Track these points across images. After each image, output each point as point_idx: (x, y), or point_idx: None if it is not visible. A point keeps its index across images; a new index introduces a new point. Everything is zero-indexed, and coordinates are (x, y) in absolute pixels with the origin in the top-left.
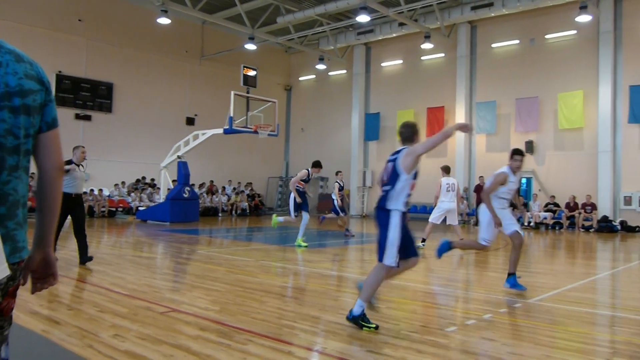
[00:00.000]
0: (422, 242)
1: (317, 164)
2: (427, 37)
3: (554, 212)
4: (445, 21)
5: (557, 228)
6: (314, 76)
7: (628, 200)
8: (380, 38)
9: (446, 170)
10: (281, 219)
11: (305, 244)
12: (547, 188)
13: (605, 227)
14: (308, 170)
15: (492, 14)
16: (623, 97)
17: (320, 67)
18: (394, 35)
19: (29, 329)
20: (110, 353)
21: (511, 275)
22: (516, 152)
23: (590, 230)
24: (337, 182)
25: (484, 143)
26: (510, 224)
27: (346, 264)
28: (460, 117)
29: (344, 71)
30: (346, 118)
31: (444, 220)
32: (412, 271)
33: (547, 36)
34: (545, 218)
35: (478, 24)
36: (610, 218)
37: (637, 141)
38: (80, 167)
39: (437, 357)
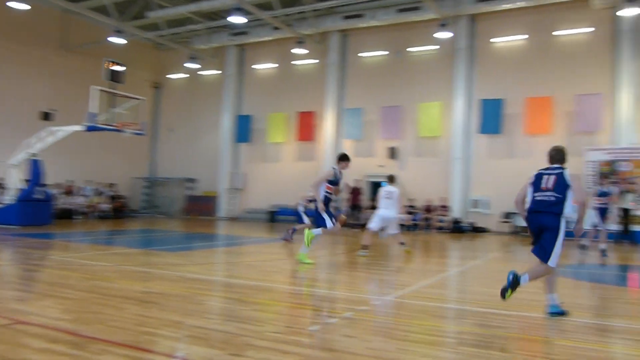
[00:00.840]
0: (363, 249)
1: (344, 157)
2: (301, 43)
3: (412, 214)
4: (319, 28)
5: (414, 229)
6: (185, 75)
7: (476, 204)
8: (254, 40)
9: (389, 179)
10: (317, 231)
11: (310, 261)
12: (407, 191)
13: (457, 228)
14: (334, 168)
15: (363, 25)
16: (475, 109)
17: (192, 66)
18: (268, 38)
19: None
20: None
21: None
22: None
23: (444, 231)
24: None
25: (352, 148)
26: None
27: (213, 267)
28: (329, 122)
29: (217, 71)
30: (218, 119)
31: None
32: (278, 272)
33: (411, 49)
34: (404, 220)
35: (349, 33)
36: (462, 220)
37: (485, 150)
38: None
39: (300, 357)
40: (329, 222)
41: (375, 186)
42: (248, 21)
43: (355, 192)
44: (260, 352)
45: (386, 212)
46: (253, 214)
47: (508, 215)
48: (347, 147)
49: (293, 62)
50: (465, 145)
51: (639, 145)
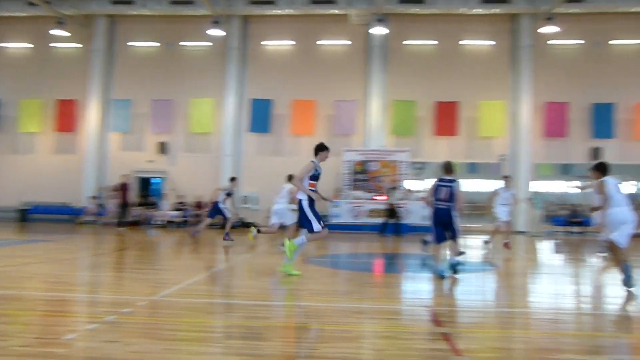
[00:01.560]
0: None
1: (322, 147)
2: (61, 24)
3: (182, 210)
4: (82, 10)
5: (185, 226)
6: None
7: (246, 200)
8: (2, 15)
9: (288, 178)
10: (299, 240)
11: (297, 272)
12: (178, 188)
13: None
14: (313, 161)
15: (132, 12)
16: (246, 108)
17: None
18: (21, 14)
19: None
20: None
21: None
22: None
23: (214, 227)
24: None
25: (119, 141)
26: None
27: None
28: (93, 112)
29: None
30: None
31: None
32: (29, 278)
33: (184, 43)
34: (174, 216)
35: (118, 19)
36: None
37: (254, 148)
38: None
39: None
40: (316, 225)
41: (145, 182)
42: None
43: (123, 188)
44: None
45: (278, 206)
46: None
47: None
48: (114, 140)
49: (52, 45)
50: (236, 142)
51: (385, 147)
